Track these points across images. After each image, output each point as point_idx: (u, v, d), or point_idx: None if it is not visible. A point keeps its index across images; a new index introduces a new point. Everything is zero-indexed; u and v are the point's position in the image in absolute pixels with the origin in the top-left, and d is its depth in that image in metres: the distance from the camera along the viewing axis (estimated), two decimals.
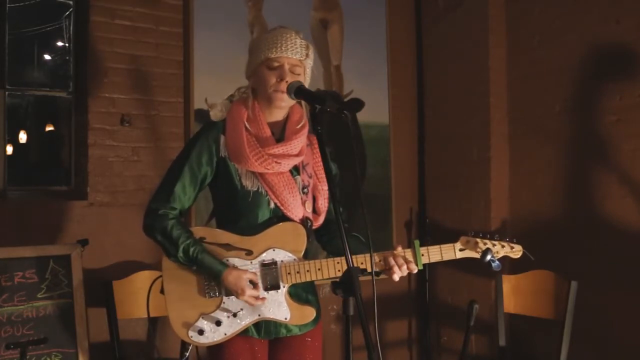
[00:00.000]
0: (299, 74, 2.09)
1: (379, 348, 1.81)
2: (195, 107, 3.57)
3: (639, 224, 3.27)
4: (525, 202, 3.86)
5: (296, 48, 2.06)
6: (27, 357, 2.80)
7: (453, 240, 2.15)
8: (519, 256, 2.16)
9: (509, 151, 3.96)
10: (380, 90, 4.28)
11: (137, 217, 3.36)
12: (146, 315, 3.32)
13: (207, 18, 3.60)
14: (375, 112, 4.22)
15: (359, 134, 4.14)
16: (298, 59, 2.07)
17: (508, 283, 3.45)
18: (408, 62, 4.43)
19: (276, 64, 2.06)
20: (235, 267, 2.04)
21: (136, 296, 3.25)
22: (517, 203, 3.91)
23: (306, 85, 2.12)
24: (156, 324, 3.43)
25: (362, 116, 4.10)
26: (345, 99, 4.08)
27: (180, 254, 2.02)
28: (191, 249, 2.01)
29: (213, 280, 2.04)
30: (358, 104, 4.50)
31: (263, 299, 2.04)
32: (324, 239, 2.29)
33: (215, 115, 3.57)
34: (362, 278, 1.83)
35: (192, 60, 3.56)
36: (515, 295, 3.45)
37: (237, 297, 2.02)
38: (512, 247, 2.16)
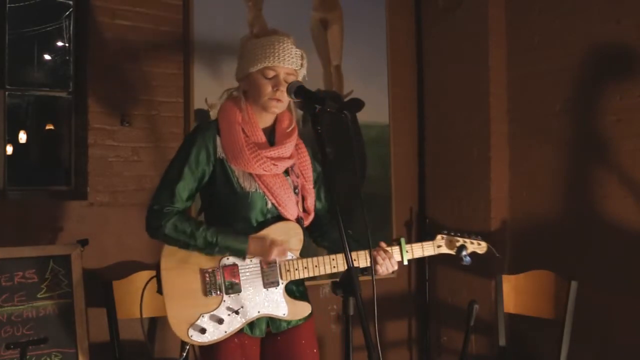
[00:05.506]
0: None
1: (379, 348, 1.82)
2: (195, 107, 3.57)
3: (639, 224, 3.27)
4: (525, 202, 3.86)
5: (292, 58, 2.12)
6: (27, 357, 2.79)
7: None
8: (484, 252, 2.40)
9: (509, 151, 3.97)
10: (380, 90, 4.27)
11: (137, 217, 3.38)
12: (146, 316, 3.33)
13: (207, 18, 3.60)
14: (375, 112, 4.21)
15: (359, 134, 4.14)
16: (293, 68, 2.13)
17: (508, 283, 3.45)
18: (408, 62, 4.43)
19: (272, 74, 2.11)
20: (252, 237, 2.10)
21: (136, 296, 3.23)
22: (517, 203, 3.91)
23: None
24: (156, 324, 3.43)
25: (362, 116, 4.10)
26: (345, 99, 4.07)
27: (200, 241, 2.05)
28: (208, 234, 2.06)
29: (238, 253, 2.09)
30: (358, 104, 4.51)
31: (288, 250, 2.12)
32: (315, 235, 2.39)
33: (215, 115, 3.56)
34: (361, 278, 1.84)
35: (192, 60, 3.56)
36: (515, 295, 3.45)
37: (266, 258, 2.09)
38: (479, 244, 2.39)
